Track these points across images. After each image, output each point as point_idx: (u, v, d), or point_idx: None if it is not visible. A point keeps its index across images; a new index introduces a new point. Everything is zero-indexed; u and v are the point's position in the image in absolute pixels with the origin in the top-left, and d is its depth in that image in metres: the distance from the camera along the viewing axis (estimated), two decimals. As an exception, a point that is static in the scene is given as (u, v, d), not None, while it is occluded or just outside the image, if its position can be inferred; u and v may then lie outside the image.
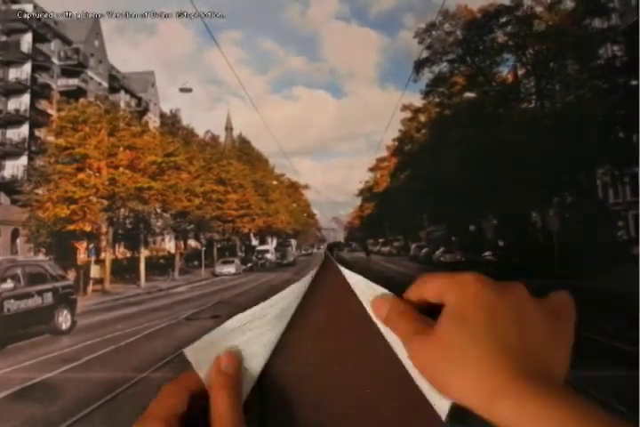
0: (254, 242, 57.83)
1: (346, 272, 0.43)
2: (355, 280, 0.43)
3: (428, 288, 0.37)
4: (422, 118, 45.57)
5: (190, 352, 0.41)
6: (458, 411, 0.33)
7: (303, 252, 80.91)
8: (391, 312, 0.37)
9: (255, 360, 0.41)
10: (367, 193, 76.49)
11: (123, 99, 45.62)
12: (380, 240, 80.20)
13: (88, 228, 21.95)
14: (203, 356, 0.41)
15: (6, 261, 9.89)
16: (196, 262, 38.20)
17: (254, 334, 0.41)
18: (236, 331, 0.41)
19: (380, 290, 0.40)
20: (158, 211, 27.53)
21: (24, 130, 33.50)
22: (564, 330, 0.36)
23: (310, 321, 0.41)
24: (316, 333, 0.40)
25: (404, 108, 47.14)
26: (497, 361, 0.31)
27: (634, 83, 20.99)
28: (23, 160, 32.73)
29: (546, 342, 0.34)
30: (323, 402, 0.39)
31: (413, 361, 0.34)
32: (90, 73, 40.15)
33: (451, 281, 0.36)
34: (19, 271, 9.64)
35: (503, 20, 26.01)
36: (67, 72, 37.80)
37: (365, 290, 0.41)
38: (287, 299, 0.43)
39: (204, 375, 0.40)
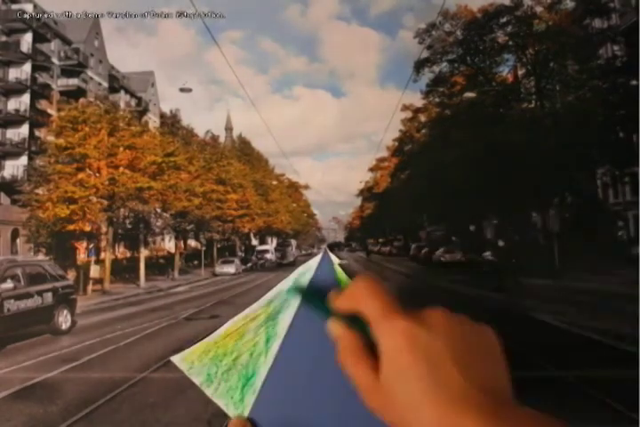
0: (254, 242, 57.86)
1: (338, 269, 0.43)
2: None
3: (351, 306, 0.35)
4: (422, 118, 45.60)
5: (180, 359, 0.40)
6: None
7: (303, 252, 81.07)
8: (343, 353, 0.35)
9: (256, 362, 0.39)
10: (367, 193, 76.62)
11: (123, 99, 45.62)
12: (380, 240, 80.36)
13: (88, 228, 21.96)
14: (197, 362, 0.40)
15: (6, 262, 9.89)
16: (195, 262, 38.23)
17: (250, 336, 0.40)
18: (231, 335, 0.40)
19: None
20: (158, 211, 27.53)
21: (24, 130, 33.50)
22: (495, 352, 0.34)
23: (308, 318, 0.40)
24: (315, 330, 0.38)
25: (405, 108, 47.22)
26: (448, 405, 0.31)
27: (634, 83, 20.98)
28: (23, 160, 32.75)
29: (487, 370, 0.33)
30: (324, 401, 0.38)
31: (369, 405, 0.34)
32: (90, 73, 40.12)
33: (383, 326, 0.33)
34: (19, 271, 9.64)
35: (503, 20, 25.98)
36: (67, 72, 37.76)
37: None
38: (280, 297, 0.42)
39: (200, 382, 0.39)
